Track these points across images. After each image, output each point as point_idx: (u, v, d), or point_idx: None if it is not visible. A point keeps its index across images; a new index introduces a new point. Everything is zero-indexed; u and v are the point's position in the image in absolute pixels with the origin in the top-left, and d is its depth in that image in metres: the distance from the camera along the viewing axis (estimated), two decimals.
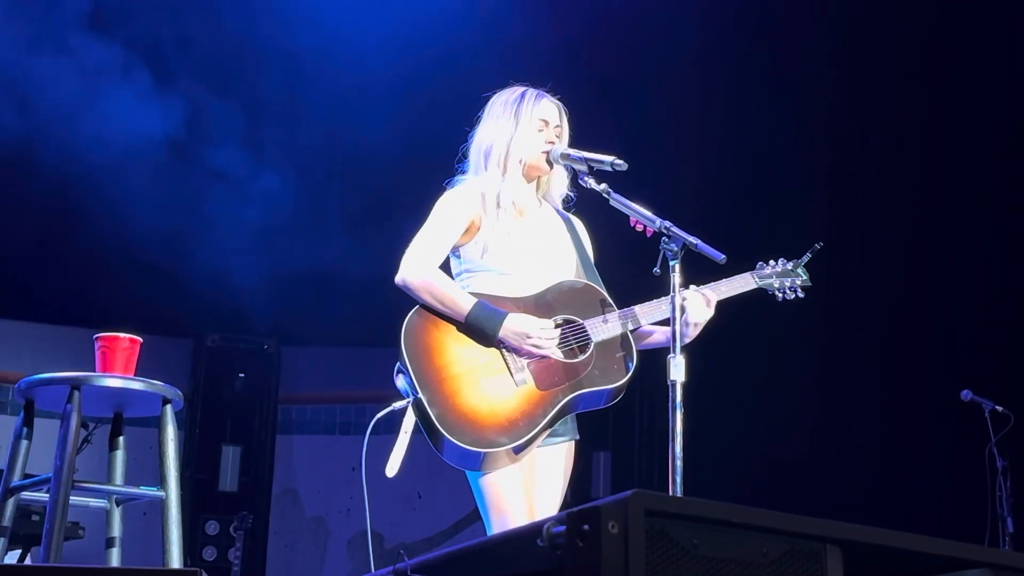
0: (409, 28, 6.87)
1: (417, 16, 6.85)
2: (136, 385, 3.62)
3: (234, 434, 8.17)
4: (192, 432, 8.04)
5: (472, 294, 3.24)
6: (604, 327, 3.25)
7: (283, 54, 7.06)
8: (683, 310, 3.09)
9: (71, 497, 3.53)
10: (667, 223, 3.07)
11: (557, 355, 3.20)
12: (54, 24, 6.48)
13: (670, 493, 2.83)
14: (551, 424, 3.18)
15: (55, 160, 6.50)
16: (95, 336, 3.69)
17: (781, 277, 3.50)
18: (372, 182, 7.19)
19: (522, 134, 3.40)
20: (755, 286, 3.47)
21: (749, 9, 7.04)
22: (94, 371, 3.63)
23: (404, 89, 6.94)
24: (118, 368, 3.65)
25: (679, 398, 2.93)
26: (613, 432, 7.92)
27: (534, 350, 3.17)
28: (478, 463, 3.12)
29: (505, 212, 3.36)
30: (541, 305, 3.28)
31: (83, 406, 3.57)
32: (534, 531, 1.73)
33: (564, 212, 3.56)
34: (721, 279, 3.38)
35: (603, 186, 3.27)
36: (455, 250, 3.38)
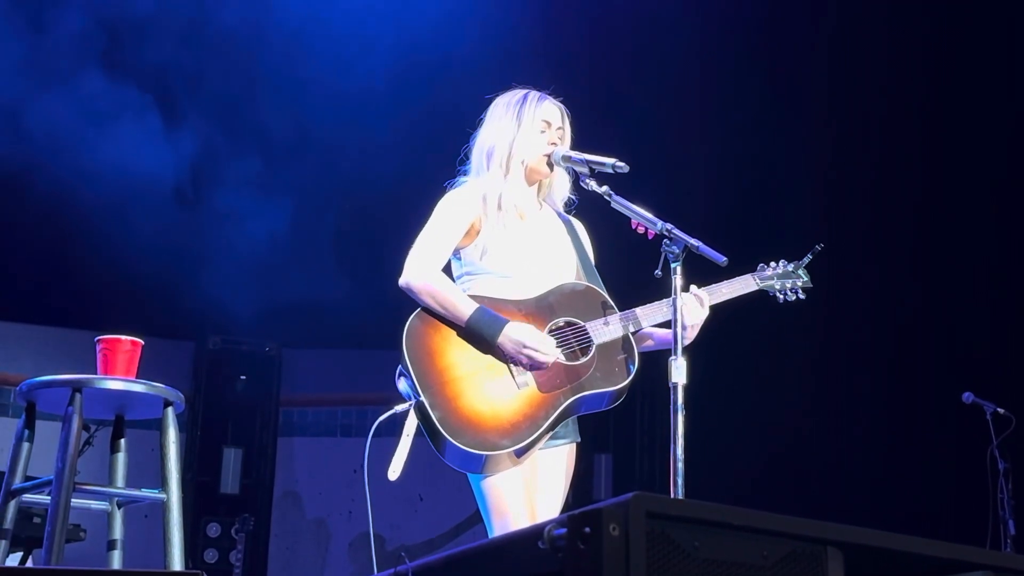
0: (406, 34, 6.88)
1: (416, 26, 6.86)
2: (137, 387, 3.62)
3: (235, 436, 8.16)
4: (193, 434, 8.04)
5: (473, 297, 3.24)
6: (605, 329, 3.25)
7: (286, 84, 7.11)
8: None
9: (72, 499, 3.53)
10: (668, 225, 3.08)
11: (556, 359, 3.19)
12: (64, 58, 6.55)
13: (671, 495, 2.83)
14: (553, 427, 3.17)
15: (64, 178, 6.56)
16: (96, 338, 3.69)
17: (782, 279, 3.51)
18: (372, 196, 7.20)
19: (524, 135, 3.40)
20: (756, 288, 3.48)
21: (749, 11, 7.05)
22: (95, 373, 3.63)
23: (405, 102, 6.96)
24: (119, 370, 3.65)
25: (680, 400, 2.93)
26: (614, 434, 7.92)
27: (530, 360, 3.16)
28: (480, 466, 3.12)
29: (506, 214, 3.36)
30: (543, 307, 3.28)
31: (84, 408, 3.57)
32: (535, 533, 1.73)
33: (564, 214, 3.56)
34: (722, 281, 3.39)
35: (604, 188, 3.28)
36: (456, 252, 3.38)
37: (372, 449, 3.12)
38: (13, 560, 5.14)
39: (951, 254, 6.84)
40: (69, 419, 3.53)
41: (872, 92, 7.09)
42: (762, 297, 3.51)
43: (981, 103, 6.76)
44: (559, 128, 3.44)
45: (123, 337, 3.68)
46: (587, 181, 3.33)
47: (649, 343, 3.41)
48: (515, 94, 3.48)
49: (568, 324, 3.27)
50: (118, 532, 3.86)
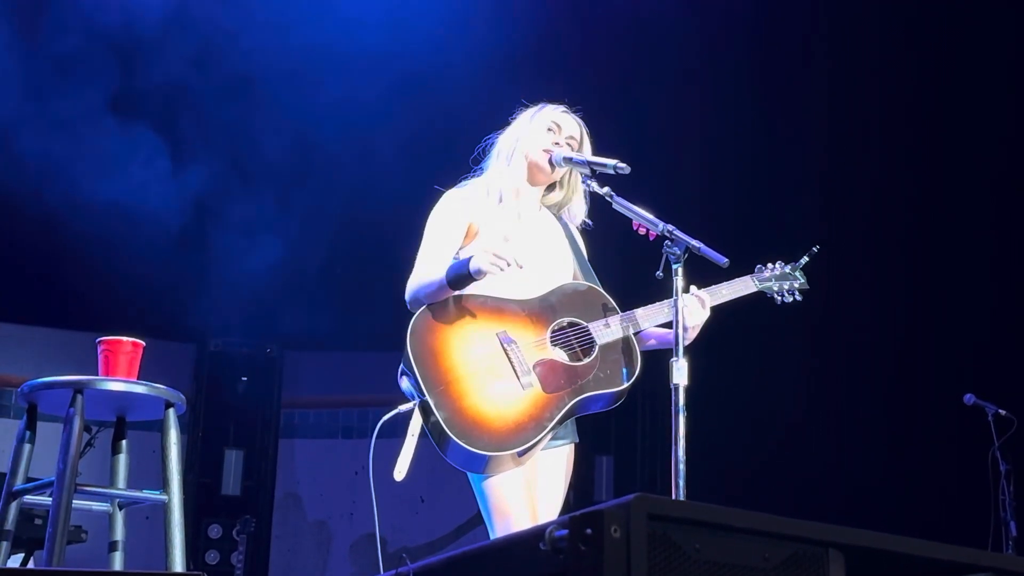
0: (395, 44, 6.92)
1: (417, 45, 6.89)
2: (139, 389, 3.62)
3: (237, 438, 8.17)
4: (195, 436, 8.04)
5: (474, 296, 3.23)
6: (607, 330, 3.26)
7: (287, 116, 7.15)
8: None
9: (74, 501, 3.53)
10: (670, 226, 3.08)
11: (517, 262, 3.14)
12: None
13: (672, 497, 2.83)
14: (556, 427, 3.18)
15: (67, 192, 6.61)
16: (98, 340, 3.69)
17: (780, 280, 3.52)
18: (374, 199, 7.21)
19: (530, 132, 3.42)
20: (755, 289, 3.49)
21: (749, 13, 7.05)
22: (97, 375, 3.63)
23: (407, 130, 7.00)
24: (121, 372, 3.65)
25: (681, 401, 2.93)
26: (616, 436, 7.92)
27: (494, 262, 3.09)
28: (483, 466, 3.12)
29: (506, 208, 3.37)
30: (545, 307, 3.28)
31: (86, 410, 3.57)
32: (537, 535, 1.73)
33: (561, 217, 3.57)
34: (722, 282, 3.40)
35: (606, 189, 3.28)
36: (456, 256, 3.38)
37: (374, 451, 3.12)
38: (14, 562, 5.14)
39: (951, 255, 6.84)
40: (70, 420, 3.53)
41: (871, 93, 7.09)
42: (763, 298, 3.52)
43: (980, 103, 6.76)
44: (571, 137, 3.44)
45: (124, 338, 3.69)
46: (589, 182, 3.34)
47: (651, 343, 3.42)
48: (540, 104, 3.50)
49: (571, 324, 3.27)
50: (119, 533, 3.86)
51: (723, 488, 5.79)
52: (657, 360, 3.27)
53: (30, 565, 5.45)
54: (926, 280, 6.99)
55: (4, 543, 3.61)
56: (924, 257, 7.04)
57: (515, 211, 3.39)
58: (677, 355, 2.98)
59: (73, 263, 7.08)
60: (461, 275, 3.14)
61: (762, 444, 7.08)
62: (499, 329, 3.20)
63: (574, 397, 3.18)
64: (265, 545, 8.09)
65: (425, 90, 6.96)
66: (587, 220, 3.55)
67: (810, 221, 6.94)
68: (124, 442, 3.91)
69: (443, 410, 3.07)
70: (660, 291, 3.17)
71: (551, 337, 3.25)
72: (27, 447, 3.68)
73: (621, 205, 3.23)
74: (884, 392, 7.12)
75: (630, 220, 3.22)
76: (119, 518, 3.87)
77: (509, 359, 3.17)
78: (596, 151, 3.44)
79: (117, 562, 3.84)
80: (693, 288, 3.31)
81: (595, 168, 3.32)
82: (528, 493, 3.19)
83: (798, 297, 3.54)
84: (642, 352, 3.30)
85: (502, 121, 3.53)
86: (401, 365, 3.16)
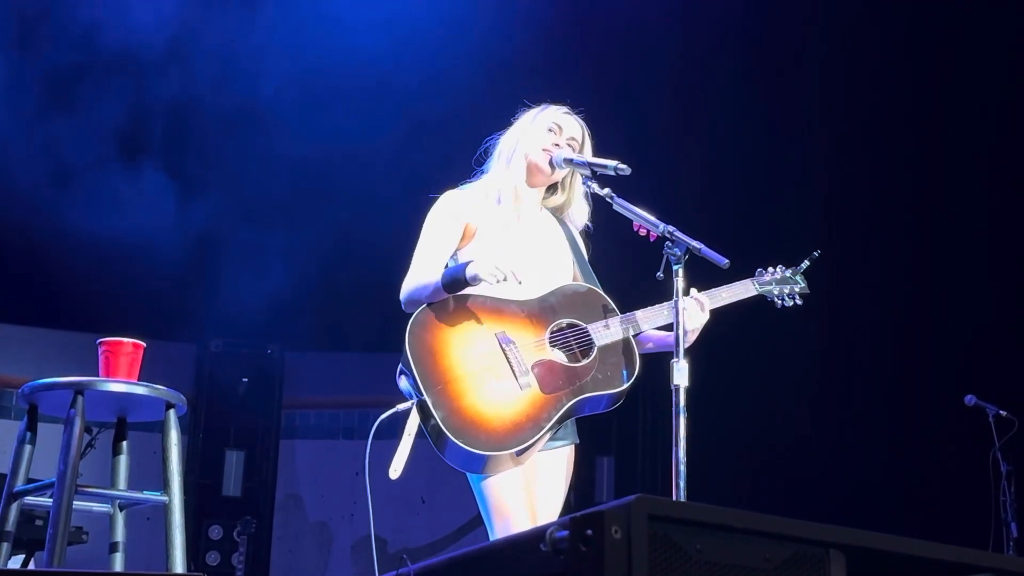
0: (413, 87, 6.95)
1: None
2: (140, 390, 3.62)
3: (237, 439, 8.17)
4: (195, 437, 8.04)
5: (475, 296, 3.24)
6: (606, 332, 3.26)
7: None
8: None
9: (74, 502, 3.53)
10: (670, 227, 3.08)
11: (516, 275, 3.15)
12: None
13: (673, 498, 2.83)
14: (555, 428, 3.18)
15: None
16: (99, 341, 3.69)
17: (780, 284, 3.52)
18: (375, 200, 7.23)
19: (530, 132, 3.42)
20: (755, 293, 3.49)
21: (750, 14, 7.05)
22: (98, 376, 3.63)
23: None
24: (122, 373, 3.65)
25: (682, 402, 2.93)
26: (616, 436, 7.91)
27: (492, 273, 3.10)
28: (481, 466, 3.12)
29: (505, 209, 3.37)
30: (545, 308, 3.28)
31: (87, 411, 3.57)
32: (537, 536, 1.73)
33: (561, 219, 3.57)
34: (723, 284, 3.39)
35: (606, 191, 3.29)
36: (454, 256, 3.38)
37: (374, 451, 3.12)
38: (15, 563, 5.15)
39: (952, 256, 6.84)
40: (71, 421, 3.53)
41: (872, 94, 7.09)
42: (763, 300, 3.51)
43: (981, 104, 6.76)
44: (572, 138, 3.43)
45: (125, 339, 3.69)
46: (589, 184, 3.34)
47: (650, 346, 3.42)
48: (543, 105, 3.50)
49: (570, 325, 3.27)
50: (120, 534, 3.86)
51: (724, 489, 5.78)
52: (658, 361, 3.28)
53: (31, 566, 5.45)
54: (927, 280, 6.99)
55: (5, 544, 3.61)
56: (924, 258, 7.04)
57: (514, 212, 3.39)
58: (678, 356, 2.98)
59: (74, 264, 7.09)
60: (457, 279, 3.15)
61: (763, 445, 7.08)
62: (498, 329, 3.21)
63: (572, 398, 3.18)
64: (266, 546, 8.09)
65: (426, 96, 6.97)
66: (589, 223, 3.55)
67: (810, 222, 6.94)
68: (125, 443, 3.91)
69: (441, 409, 3.07)
70: (660, 292, 3.17)
71: (550, 338, 3.25)
72: (28, 448, 3.68)
73: (621, 206, 3.23)
74: (885, 392, 7.12)
75: (630, 221, 3.22)
76: (120, 519, 3.87)
77: (508, 359, 3.17)
78: (597, 152, 3.44)
79: (118, 563, 3.84)
80: (693, 291, 3.30)
81: (595, 169, 3.32)
82: (527, 493, 3.19)
83: (798, 301, 3.53)
84: (641, 355, 3.30)
85: (504, 124, 3.53)
86: (400, 364, 3.16)
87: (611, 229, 3.49)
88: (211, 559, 7.86)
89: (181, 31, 6.76)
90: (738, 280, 3.43)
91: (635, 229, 3.22)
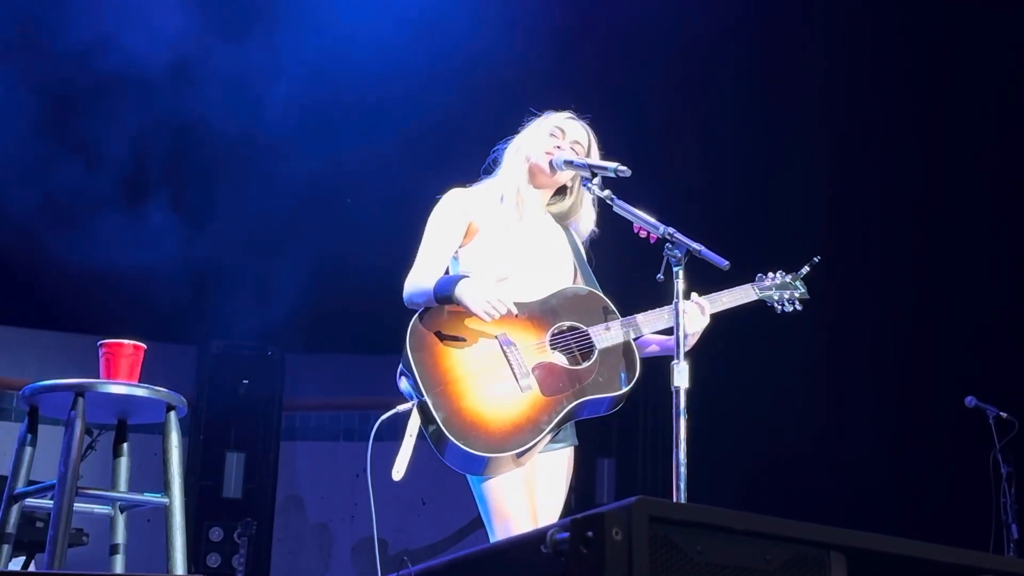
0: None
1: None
2: (140, 392, 3.62)
3: (238, 441, 8.17)
4: (196, 439, 8.05)
5: None
6: (607, 334, 3.26)
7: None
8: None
9: (75, 504, 3.53)
10: (671, 229, 3.08)
11: (511, 310, 3.16)
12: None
13: (674, 499, 2.83)
14: (555, 430, 3.18)
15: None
16: (99, 343, 3.69)
17: (780, 289, 3.52)
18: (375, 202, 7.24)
19: (533, 136, 3.44)
20: (755, 298, 3.49)
21: (751, 15, 7.05)
22: (98, 378, 3.63)
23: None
24: (122, 375, 3.65)
25: (683, 404, 2.93)
26: (617, 438, 7.92)
27: (487, 311, 3.12)
28: (482, 468, 3.12)
29: (507, 209, 3.37)
30: (546, 311, 3.28)
31: (87, 413, 3.57)
32: (538, 538, 1.73)
33: (564, 225, 3.57)
34: (723, 288, 3.39)
35: (607, 192, 3.29)
36: (455, 255, 3.39)
37: (375, 453, 3.12)
38: (16, 565, 5.15)
39: (952, 258, 6.84)
40: (72, 423, 3.53)
41: (872, 97, 7.09)
42: (764, 304, 3.51)
43: (981, 105, 6.76)
44: (576, 142, 3.44)
45: (126, 341, 3.68)
46: (590, 185, 3.34)
47: (651, 349, 3.42)
48: (548, 112, 3.52)
49: (571, 328, 3.27)
50: (120, 536, 3.86)
51: (724, 490, 5.78)
52: (658, 363, 3.28)
53: (31, 568, 5.45)
54: (927, 282, 6.99)
55: (5, 546, 3.61)
56: (925, 259, 7.03)
57: (516, 212, 3.40)
58: (678, 358, 2.98)
59: (74, 266, 7.09)
60: (448, 297, 3.16)
61: (763, 446, 7.08)
62: (499, 331, 3.21)
63: (572, 400, 3.18)
64: (266, 548, 8.09)
65: (428, 103, 6.98)
66: (595, 229, 3.56)
67: (811, 223, 6.94)
68: (125, 445, 3.91)
69: (441, 411, 3.08)
70: (661, 294, 3.17)
71: (551, 340, 3.25)
72: (28, 450, 3.68)
73: (622, 208, 3.24)
74: (886, 394, 7.12)
75: (631, 223, 3.22)
76: (120, 521, 3.87)
77: (508, 361, 3.18)
78: (604, 156, 3.44)
79: (118, 565, 3.84)
80: (694, 295, 3.30)
81: (596, 171, 3.32)
82: (528, 495, 3.19)
83: (798, 307, 3.53)
84: (644, 358, 3.30)
85: (510, 132, 3.54)
86: (400, 366, 3.16)
87: (611, 231, 3.49)
88: (212, 561, 7.86)
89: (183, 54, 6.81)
90: (738, 283, 3.43)
91: (635, 231, 3.22)
